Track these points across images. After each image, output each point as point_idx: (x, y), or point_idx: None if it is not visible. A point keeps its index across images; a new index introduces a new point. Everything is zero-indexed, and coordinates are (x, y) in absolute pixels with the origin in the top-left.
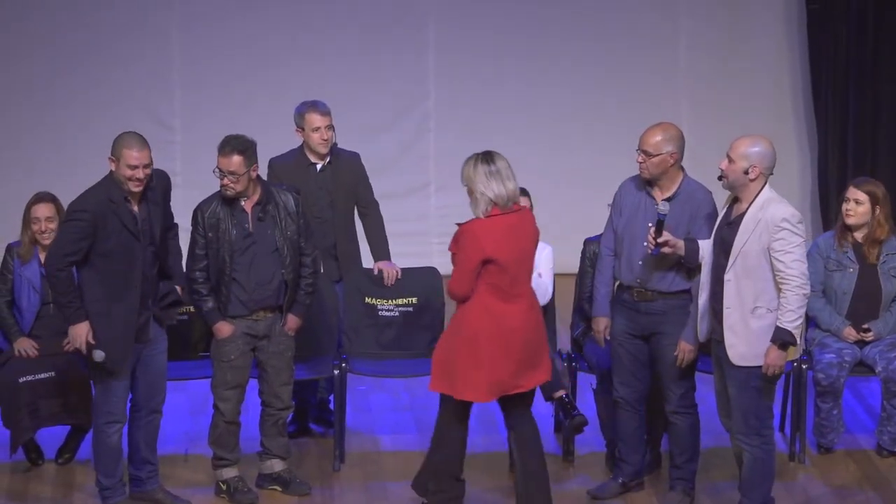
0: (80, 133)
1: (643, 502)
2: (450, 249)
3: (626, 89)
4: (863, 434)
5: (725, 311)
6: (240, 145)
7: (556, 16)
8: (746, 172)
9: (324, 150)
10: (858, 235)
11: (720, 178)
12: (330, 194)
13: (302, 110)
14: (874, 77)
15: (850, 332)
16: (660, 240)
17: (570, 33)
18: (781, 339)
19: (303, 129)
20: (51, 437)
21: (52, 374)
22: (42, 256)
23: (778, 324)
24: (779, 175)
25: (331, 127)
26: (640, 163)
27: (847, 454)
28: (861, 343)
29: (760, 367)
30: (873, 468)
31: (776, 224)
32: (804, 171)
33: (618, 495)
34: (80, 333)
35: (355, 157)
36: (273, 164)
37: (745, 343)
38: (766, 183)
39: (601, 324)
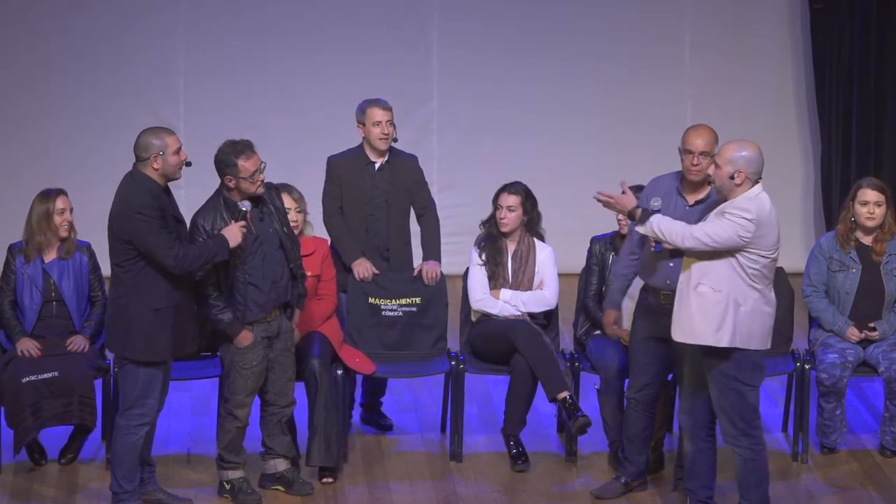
0: (84, 132)
1: (646, 502)
2: None
3: (631, 88)
4: (866, 434)
5: (678, 288)
6: (249, 141)
7: (560, 16)
8: (732, 177)
9: (383, 147)
10: (866, 236)
11: (709, 182)
12: (385, 194)
13: (363, 106)
14: (877, 77)
15: (853, 332)
16: None
17: (574, 34)
18: (637, 210)
19: (364, 125)
20: (54, 437)
21: (56, 374)
22: (56, 251)
23: (656, 216)
24: (782, 174)
25: (391, 122)
26: (695, 165)
27: (850, 454)
28: (864, 343)
29: (734, 365)
30: (876, 468)
31: (725, 205)
32: (807, 170)
33: (621, 495)
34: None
35: (413, 159)
36: (332, 161)
37: (686, 318)
38: (753, 187)
39: (611, 316)
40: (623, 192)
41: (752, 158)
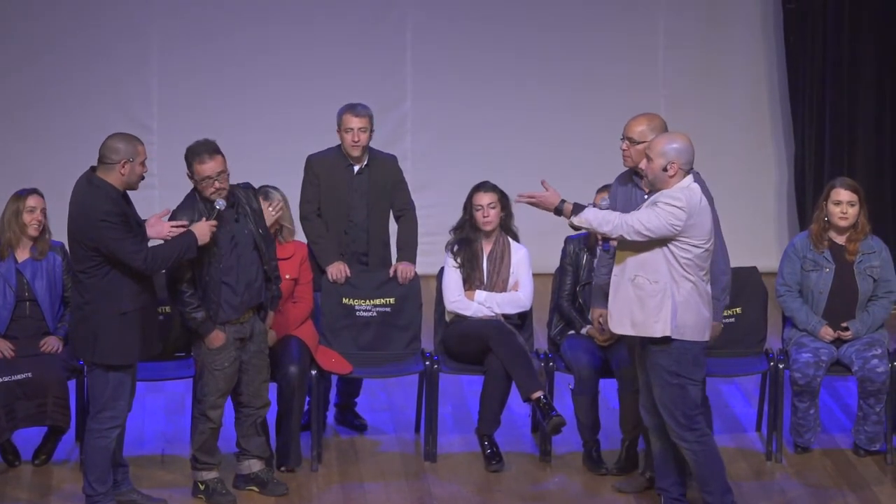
0: (56, 133)
1: (619, 503)
2: None
3: (604, 90)
4: (839, 433)
5: (612, 279)
6: (215, 145)
7: (534, 16)
8: (665, 169)
9: (355, 153)
10: (839, 236)
11: (641, 177)
12: (366, 196)
13: (340, 112)
14: (850, 76)
15: (826, 332)
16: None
17: (549, 33)
18: (566, 204)
19: (339, 130)
20: (27, 438)
21: (29, 374)
22: (29, 251)
23: (590, 208)
24: (756, 174)
25: (365, 130)
26: (624, 150)
27: (824, 453)
28: (837, 342)
29: (675, 360)
30: (850, 467)
31: (657, 195)
32: (781, 170)
33: (643, 490)
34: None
35: (392, 159)
36: (311, 159)
37: (623, 309)
38: (685, 177)
39: (596, 313)
40: (546, 190)
41: (684, 149)
